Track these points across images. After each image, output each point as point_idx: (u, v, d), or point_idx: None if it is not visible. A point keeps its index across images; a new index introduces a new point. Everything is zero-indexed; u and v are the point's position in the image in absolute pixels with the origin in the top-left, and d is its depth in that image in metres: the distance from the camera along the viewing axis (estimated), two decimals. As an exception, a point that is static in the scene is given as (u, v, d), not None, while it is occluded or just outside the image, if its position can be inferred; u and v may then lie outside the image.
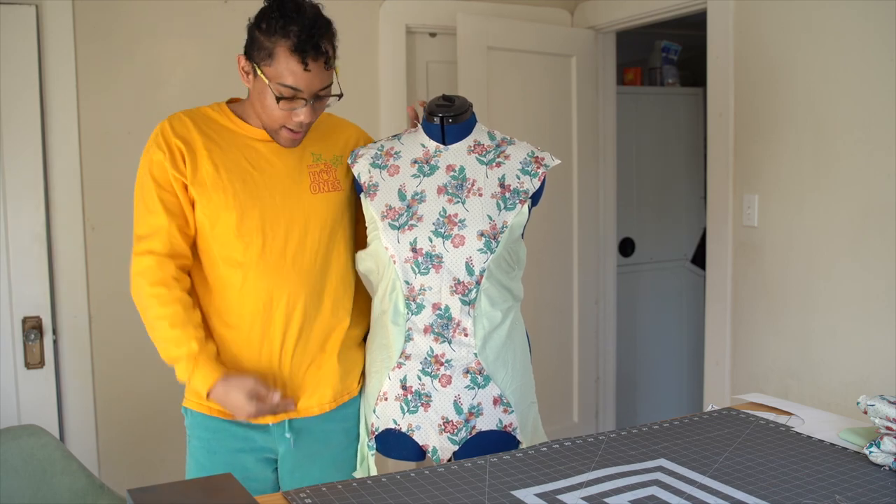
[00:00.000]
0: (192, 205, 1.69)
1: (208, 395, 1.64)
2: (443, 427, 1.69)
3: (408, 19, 3.16)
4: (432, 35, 3.29)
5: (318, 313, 1.76)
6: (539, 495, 1.27)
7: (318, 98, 1.63)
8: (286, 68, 1.57)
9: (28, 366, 2.63)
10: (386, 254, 1.69)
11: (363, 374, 1.83)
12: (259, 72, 1.60)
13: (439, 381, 1.69)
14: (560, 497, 1.26)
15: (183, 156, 1.66)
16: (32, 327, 2.63)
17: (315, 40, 1.56)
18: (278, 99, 1.59)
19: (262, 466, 1.77)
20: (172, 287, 1.65)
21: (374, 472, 1.77)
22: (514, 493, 1.29)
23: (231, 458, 1.73)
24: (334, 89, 1.67)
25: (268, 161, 1.72)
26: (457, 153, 1.74)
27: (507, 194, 1.69)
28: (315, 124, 1.75)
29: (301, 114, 1.62)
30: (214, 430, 1.73)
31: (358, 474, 1.81)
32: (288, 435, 1.75)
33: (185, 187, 1.67)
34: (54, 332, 2.68)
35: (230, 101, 1.80)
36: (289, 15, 1.56)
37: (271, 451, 1.77)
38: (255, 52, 1.61)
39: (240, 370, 1.70)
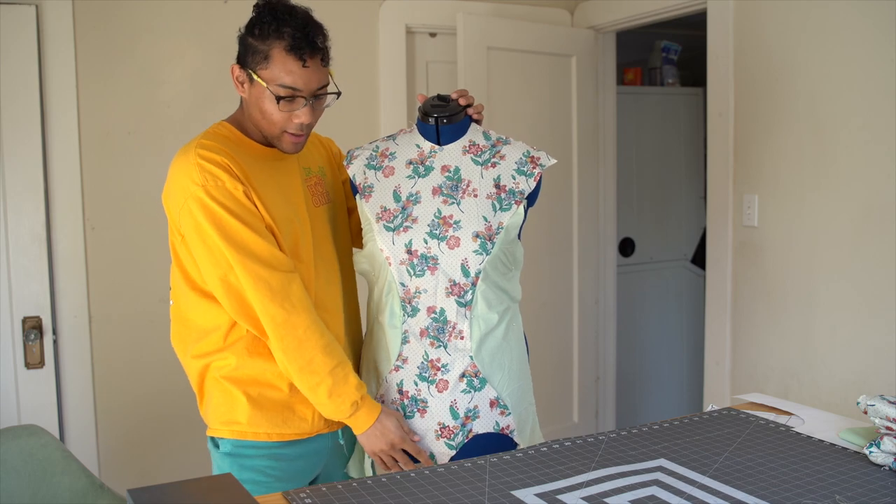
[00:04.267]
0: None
1: (366, 429, 1.62)
2: (439, 433, 1.69)
3: (408, 19, 3.16)
4: (432, 35, 3.29)
5: (343, 331, 1.78)
6: (539, 495, 1.27)
7: (317, 98, 1.63)
8: (283, 68, 1.55)
9: (28, 366, 2.63)
10: (381, 256, 1.68)
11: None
12: (255, 77, 1.58)
13: (436, 387, 1.68)
14: (560, 497, 1.26)
15: (235, 173, 1.57)
16: (32, 327, 2.63)
17: (311, 38, 1.56)
18: (278, 100, 1.57)
19: (314, 469, 1.77)
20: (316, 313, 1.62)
21: (370, 473, 1.77)
22: (514, 493, 1.29)
23: (300, 478, 1.71)
24: (331, 88, 1.66)
25: (280, 178, 1.70)
26: (452, 153, 1.73)
27: (503, 195, 1.69)
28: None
29: (301, 115, 1.60)
30: (281, 458, 1.68)
31: (352, 470, 1.81)
32: (342, 441, 1.77)
33: (254, 202, 1.60)
34: (54, 332, 2.68)
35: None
36: (281, 17, 1.55)
37: (325, 452, 1.77)
38: (249, 58, 1.59)
39: None
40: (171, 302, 1.74)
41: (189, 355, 1.69)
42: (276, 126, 1.62)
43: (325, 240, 1.77)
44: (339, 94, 1.67)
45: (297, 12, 1.58)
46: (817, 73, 2.51)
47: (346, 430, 1.77)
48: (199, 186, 1.55)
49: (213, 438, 1.70)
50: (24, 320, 2.63)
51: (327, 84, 1.63)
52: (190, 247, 1.61)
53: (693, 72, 4.26)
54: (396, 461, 1.65)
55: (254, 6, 1.60)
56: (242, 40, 1.62)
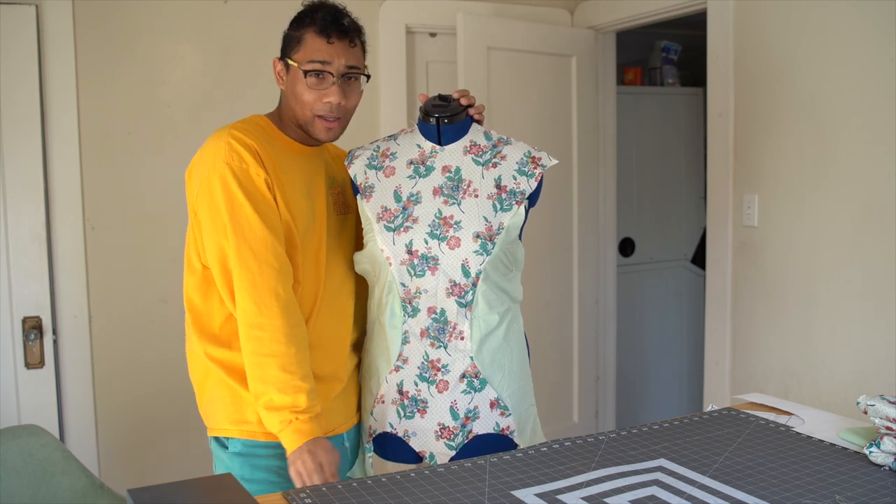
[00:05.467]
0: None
1: (289, 453, 1.52)
2: (439, 433, 1.69)
3: (408, 19, 3.16)
4: (432, 35, 3.29)
5: (352, 334, 1.79)
6: (539, 495, 1.27)
7: (346, 79, 1.67)
8: (313, 47, 1.64)
9: (28, 366, 2.63)
10: (382, 256, 1.68)
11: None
12: (290, 61, 1.66)
13: (436, 387, 1.68)
14: (560, 497, 1.26)
15: (262, 160, 1.60)
16: (32, 327, 2.63)
17: (338, 20, 1.65)
18: (306, 74, 1.63)
19: None
20: (299, 320, 1.58)
21: (371, 474, 1.77)
22: (514, 493, 1.29)
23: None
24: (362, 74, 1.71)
25: (307, 175, 1.73)
26: (453, 154, 1.73)
27: (504, 195, 1.68)
28: (326, 149, 1.80)
29: (330, 94, 1.65)
30: (258, 459, 1.66)
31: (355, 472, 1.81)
32: (346, 444, 1.77)
33: (274, 193, 1.61)
34: (54, 332, 2.68)
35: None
36: (316, 8, 1.67)
37: None
38: (286, 48, 1.69)
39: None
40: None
41: (193, 341, 1.69)
42: (307, 107, 1.66)
43: (344, 245, 1.79)
44: (368, 76, 1.72)
45: (331, 5, 1.69)
46: (817, 73, 2.51)
47: (350, 433, 1.78)
48: (225, 164, 1.57)
49: (218, 439, 1.68)
50: (24, 320, 2.63)
51: (356, 66, 1.68)
52: (200, 222, 1.62)
53: (693, 72, 4.26)
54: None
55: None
56: (284, 37, 1.71)
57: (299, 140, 1.74)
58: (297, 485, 1.48)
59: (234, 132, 1.62)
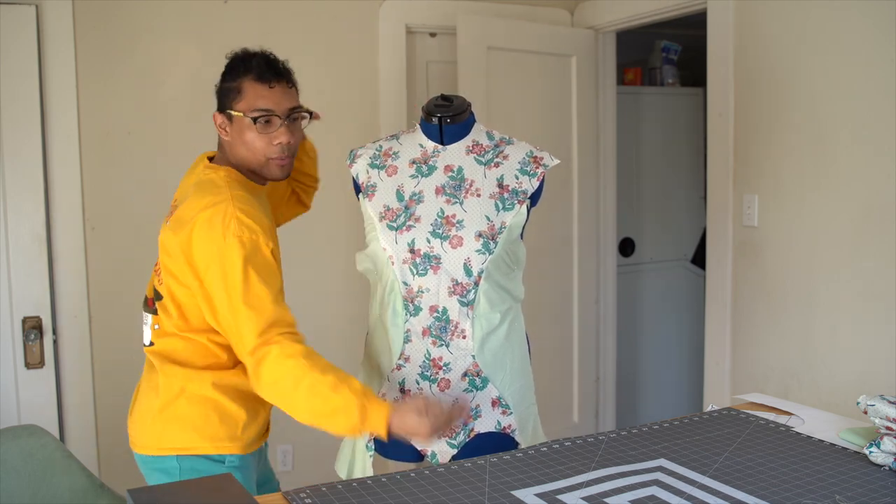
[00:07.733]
0: None
1: (389, 429, 1.46)
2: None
3: (408, 19, 3.16)
4: (432, 35, 3.29)
5: None
6: (539, 495, 1.27)
7: (292, 119, 1.69)
8: (254, 95, 1.65)
9: (28, 366, 2.63)
10: (384, 255, 1.68)
11: None
12: (233, 113, 1.67)
13: (437, 386, 1.68)
14: (560, 497, 1.27)
15: (268, 230, 1.63)
16: (32, 327, 2.63)
17: (273, 65, 1.68)
18: (255, 121, 1.64)
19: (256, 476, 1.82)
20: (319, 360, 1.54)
21: (370, 473, 1.76)
22: (514, 493, 1.29)
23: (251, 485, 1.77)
24: (303, 113, 1.73)
25: (266, 209, 1.75)
26: (455, 153, 1.73)
27: (506, 195, 1.69)
28: None
29: (279, 135, 1.66)
30: (247, 469, 1.72)
31: (343, 473, 1.82)
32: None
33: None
34: (54, 332, 2.68)
35: (212, 160, 1.78)
36: (245, 58, 1.69)
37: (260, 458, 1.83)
38: (225, 100, 1.69)
39: None
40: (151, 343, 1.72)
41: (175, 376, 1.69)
42: (260, 153, 1.67)
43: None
44: (311, 114, 1.74)
45: (257, 52, 1.70)
46: (817, 72, 2.51)
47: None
48: (236, 238, 1.55)
49: (210, 457, 1.66)
50: (24, 320, 2.63)
51: (298, 106, 1.71)
52: (208, 287, 1.58)
53: (693, 72, 4.26)
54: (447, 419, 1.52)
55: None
56: (217, 91, 1.72)
57: (254, 181, 1.74)
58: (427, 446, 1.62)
59: (239, 206, 1.59)
